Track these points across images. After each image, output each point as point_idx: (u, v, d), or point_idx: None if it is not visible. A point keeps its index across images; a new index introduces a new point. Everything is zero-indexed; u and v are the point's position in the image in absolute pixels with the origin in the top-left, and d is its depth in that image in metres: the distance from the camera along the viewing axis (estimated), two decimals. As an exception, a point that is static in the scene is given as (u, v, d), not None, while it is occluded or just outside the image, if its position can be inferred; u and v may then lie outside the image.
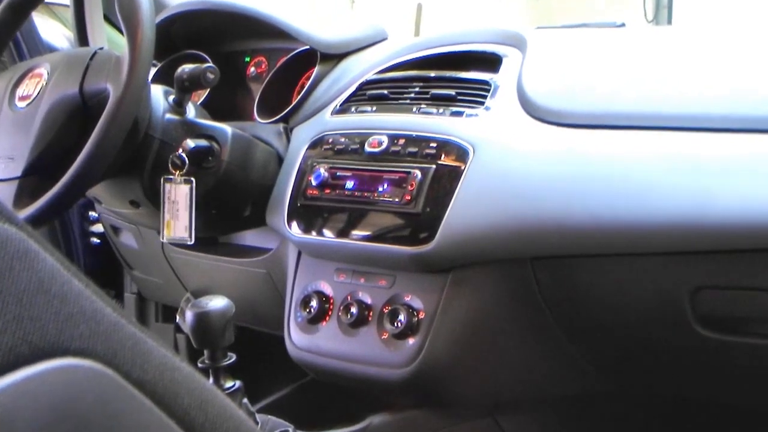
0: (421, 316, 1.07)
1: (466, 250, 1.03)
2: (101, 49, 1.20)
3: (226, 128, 1.23)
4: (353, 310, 1.12)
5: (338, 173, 1.15)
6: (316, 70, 1.34)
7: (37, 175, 1.15)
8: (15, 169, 1.14)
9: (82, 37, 1.49)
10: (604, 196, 0.95)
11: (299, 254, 1.22)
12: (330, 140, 1.20)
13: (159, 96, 1.20)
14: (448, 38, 1.28)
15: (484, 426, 1.27)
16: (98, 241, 1.81)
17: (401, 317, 1.08)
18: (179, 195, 1.17)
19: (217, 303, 1.02)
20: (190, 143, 1.17)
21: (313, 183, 1.16)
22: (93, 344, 0.33)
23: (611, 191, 0.95)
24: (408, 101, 1.19)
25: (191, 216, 1.18)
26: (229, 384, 1.05)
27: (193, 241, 1.18)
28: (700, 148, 0.93)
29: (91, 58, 1.17)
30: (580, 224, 0.95)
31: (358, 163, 1.14)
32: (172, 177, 1.17)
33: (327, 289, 1.17)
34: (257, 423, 1.13)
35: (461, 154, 1.06)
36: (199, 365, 1.04)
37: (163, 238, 1.20)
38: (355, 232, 1.12)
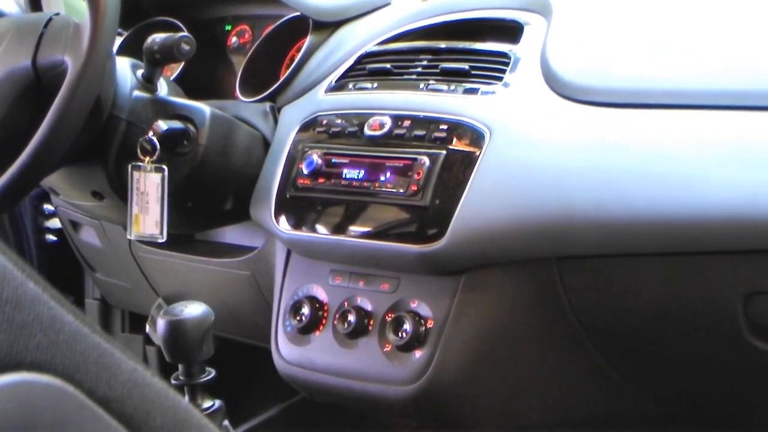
0: (430, 325, 1.08)
1: (481, 248, 1.04)
2: (57, 14, 1.20)
3: (204, 108, 1.23)
4: (351, 318, 1.12)
5: (334, 160, 1.15)
6: (307, 40, 1.33)
7: (-17, 162, 1.15)
8: (-42, 155, 1.14)
9: (35, 1, 1.48)
10: (642, 186, 0.95)
11: (288, 254, 1.22)
12: (324, 122, 1.20)
13: (125, 70, 1.20)
14: (460, 3, 1.28)
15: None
16: (54, 238, 1.82)
17: (406, 326, 1.08)
18: (149, 185, 1.18)
19: (193, 310, 1.03)
20: (162, 125, 1.18)
21: (305, 171, 1.16)
22: (51, 357, 0.33)
23: (651, 181, 0.94)
24: (414, 76, 1.19)
25: (163, 209, 1.18)
26: (207, 403, 1.05)
27: (165, 239, 1.19)
28: (756, 131, 0.93)
29: (46, 26, 1.17)
30: (615, 219, 0.95)
31: (356, 148, 1.14)
32: (141, 164, 1.17)
33: (321, 294, 1.17)
34: (240, 449, 1.13)
35: (476, 137, 1.06)
36: (173, 382, 1.04)
37: (130, 235, 1.20)
38: (354, 228, 1.12)
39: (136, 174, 1.18)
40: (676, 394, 1.13)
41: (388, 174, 1.10)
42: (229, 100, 1.36)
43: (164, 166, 1.17)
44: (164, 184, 1.17)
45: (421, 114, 1.12)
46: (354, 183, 1.12)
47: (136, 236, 1.20)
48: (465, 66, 1.15)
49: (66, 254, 1.75)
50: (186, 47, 1.17)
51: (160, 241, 1.19)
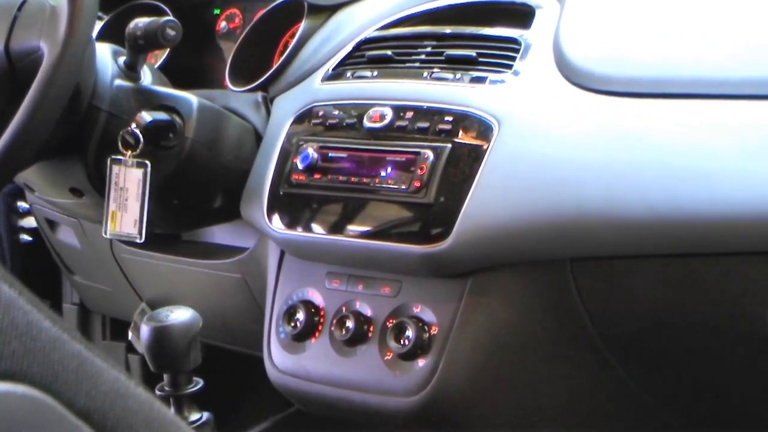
0: (434, 331, 1.08)
1: (489, 249, 1.04)
2: (33, -3, 1.20)
3: (191, 98, 1.23)
4: (349, 324, 1.12)
5: (330, 154, 1.15)
6: (302, 25, 1.33)
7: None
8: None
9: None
10: (662, 182, 0.95)
11: (282, 255, 1.22)
12: (320, 113, 1.20)
13: (106, 57, 1.20)
14: (467, -15, 1.28)
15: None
16: (29, 238, 1.81)
17: (409, 333, 1.08)
18: (129, 181, 1.17)
19: (179, 316, 1.03)
20: (146, 116, 1.18)
21: (300, 166, 1.16)
22: (28, 365, 0.33)
23: (672, 176, 0.94)
24: (417, 64, 1.19)
25: (143, 208, 1.18)
26: (195, 416, 1.05)
27: (143, 240, 1.18)
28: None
29: (19, 9, 1.17)
30: (634, 217, 0.95)
31: (355, 141, 1.14)
32: (121, 158, 1.17)
33: (317, 299, 1.17)
34: (230, 464, 1.14)
35: (483, 129, 1.06)
36: (158, 393, 1.04)
37: (105, 233, 1.20)
38: (352, 228, 1.12)
39: (115, 168, 1.18)
40: (701, 405, 1.13)
41: (389, 169, 1.10)
42: (217, 90, 1.36)
43: (147, 162, 1.17)
44: (146, 180, 1.17)
45: (425, 104, 1.12)
46: (352, 179, 1.12)
47: (112, 235, 1.20)
48: (472, 53, 1.15)
49: (42, 255, 1.75)
50: (171, 33, 1.17)
51: (138, 241, 1.19)
